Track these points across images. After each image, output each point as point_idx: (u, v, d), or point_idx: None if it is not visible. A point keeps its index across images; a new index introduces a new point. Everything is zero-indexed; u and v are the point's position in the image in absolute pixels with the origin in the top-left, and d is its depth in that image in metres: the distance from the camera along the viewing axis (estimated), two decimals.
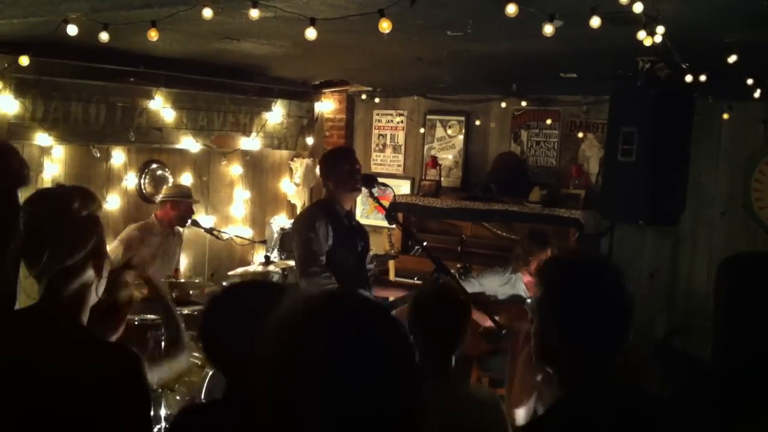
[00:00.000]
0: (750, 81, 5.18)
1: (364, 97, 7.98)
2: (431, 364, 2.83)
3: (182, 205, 6.13)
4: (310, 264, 4.44)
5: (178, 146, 6.75)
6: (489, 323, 5.43)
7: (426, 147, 7.75)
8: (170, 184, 6.58)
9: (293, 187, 8.11)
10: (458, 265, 5.09)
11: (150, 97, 6.35)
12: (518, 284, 5.70)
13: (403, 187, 7.66)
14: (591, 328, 1.99)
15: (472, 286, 5.47)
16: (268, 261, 6.22)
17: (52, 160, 5.91)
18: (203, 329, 2.30)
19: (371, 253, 5.05)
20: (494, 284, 5.72)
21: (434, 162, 7.43)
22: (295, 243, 4.67)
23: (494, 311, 5.21)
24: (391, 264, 6.81)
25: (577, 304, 2.00)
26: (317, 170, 7.81)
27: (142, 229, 6.01)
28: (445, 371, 2.88)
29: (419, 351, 2.81)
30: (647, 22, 3.73)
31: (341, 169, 4.64)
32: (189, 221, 6.23)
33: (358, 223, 4.93)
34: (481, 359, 5.75)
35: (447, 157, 7.62)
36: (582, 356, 2.00)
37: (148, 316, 5.27)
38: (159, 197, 6.29)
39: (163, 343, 5.11)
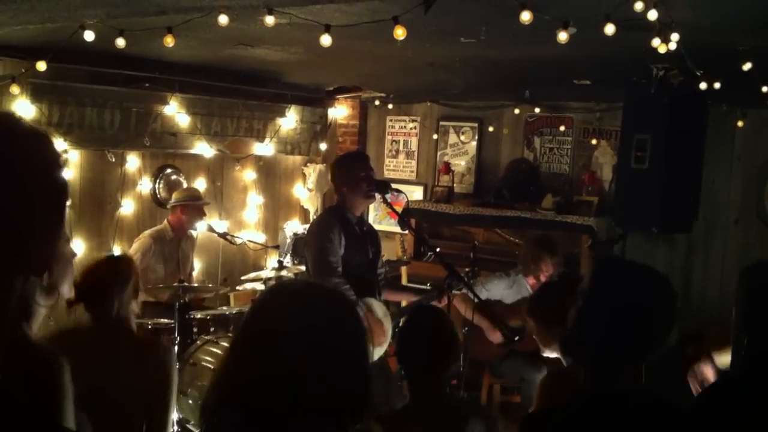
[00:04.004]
0: (765, 88, 5.17)
1: (377, 103, 7.99)
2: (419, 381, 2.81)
3: (192, 208, 6.16)
4: (328, 274, 4.35)
5: (192, 151, 6.78)
6: (496, 333, 5.47)
7: (439, 153, 7.77)
8: (179, 189, 6.59)
9: (306, 193, 8.13)
10: (467, 269, 5.11)
11: (165, 102, 6.39)
12: (523, 286, 5.70)
13: (415, 193, 7.67)
14: (634, 331, 2.02)
15: (478, 293, 5.48)
16: (281, 266, 6.23)
17: (68, 165, 5.95)
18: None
19: (383, 258, 5.04)
20: (500, 289, 5.75)
21: (447, 168, 7.44)
22: (309, 252, 4.62)
23: (505, 317, 5.25)
24: (404, 270, 6.82)
25: (626, 307, 2.03)
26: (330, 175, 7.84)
27: (155, 236, 6.04)
28: (433, 387, 2.82)
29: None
30: (661, 29, 3.73)
31: (356, 175, 4.56)
32: (201, 223, 6.24)
33: (369, 227, 4.89)
34: (492, 365, 5.75)
35: (460, 163, 7.62)
36: (616, 357, 2.02)
37: (162, 320, 5.32)
38: (170, 203, 6.32)
39: (176, 347, 5.17)
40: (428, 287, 5.46)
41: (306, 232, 4.80)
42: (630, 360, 2.03)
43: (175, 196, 6.31)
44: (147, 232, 6.11)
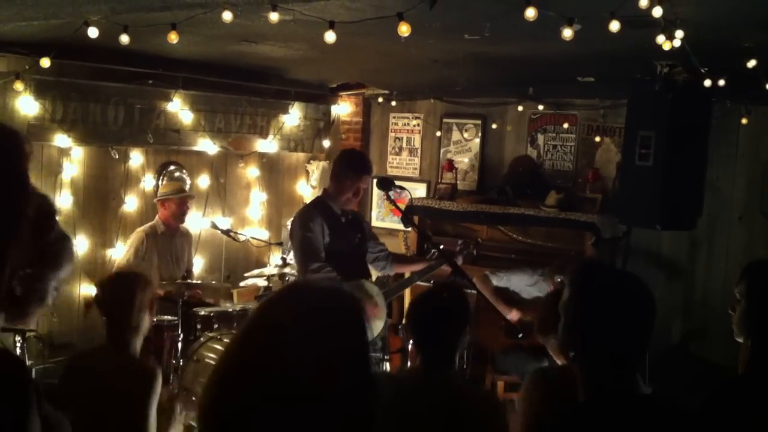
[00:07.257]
0: None
1: (380, 100, 7.98)
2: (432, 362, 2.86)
3: (171, 203, 6.14)
4: (311, 261, 4.56)
5: (195, 148, 6.78)
6: (512, 311, 5.54)
7: (442, 150, 7.76)
8: (166, 183, 6.58)
9: (309, 190, 8.13)
10: (459, 242, 5.21)
11: (168, 99, 6.39)
12: (544, 289, 5.68)
13: (419, 190, 7.67)
14: (615, 333, 2.00)
15: (499, 280, 5.52)
16: (284, 263, 6.23)
17: (71, 161, 5.96)
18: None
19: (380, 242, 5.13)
20: (521, 282, 5.74)
21: (450, 165, 7.43)
22: (293, 243, 4.81)
23: (518, 310, 5.32)
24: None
25: (604, 310, 2.02)
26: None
27: (148, 232, 6.04)
28: (447, 368, 2.89)
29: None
30: (666, 26, 3.72)
31: (354, 184, 4.73)
32: (204, 219, 6.23)
33: (355, 215, 5.01)
34: (495, 358, 5.73)
35: (463, 161, 7.62)
36: (606, 359, 2.01)
37: (165, 317, 5.32)
38: (156, 198, 6.32)
39: (179, 344, 5.17)
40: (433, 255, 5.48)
41: (290, 225, 4.96)
42: (620, 362, 2.02)
43: (160, 190, 6.33)
44: (139, 228, 6.12)
